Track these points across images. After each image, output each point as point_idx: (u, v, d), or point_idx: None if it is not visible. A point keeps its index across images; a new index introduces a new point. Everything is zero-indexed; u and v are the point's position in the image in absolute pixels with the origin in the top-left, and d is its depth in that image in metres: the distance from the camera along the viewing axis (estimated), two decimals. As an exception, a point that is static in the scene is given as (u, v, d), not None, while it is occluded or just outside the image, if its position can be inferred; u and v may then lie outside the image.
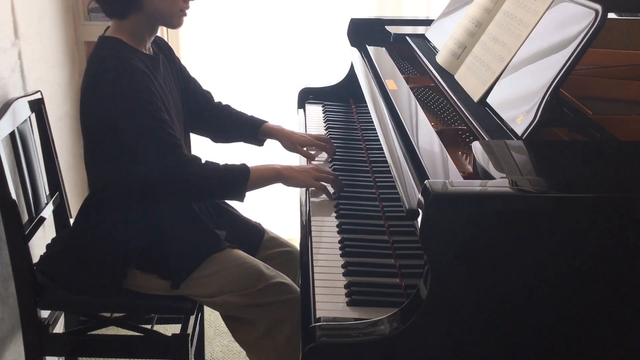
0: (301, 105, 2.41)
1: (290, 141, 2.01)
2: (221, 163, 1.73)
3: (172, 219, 1.77)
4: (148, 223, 1.74)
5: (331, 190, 1.76)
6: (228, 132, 2.05)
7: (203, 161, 1.70)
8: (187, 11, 1.72)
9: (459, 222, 1.07)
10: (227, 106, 2.07)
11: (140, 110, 1.62)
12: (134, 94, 1.61)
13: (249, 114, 2.08)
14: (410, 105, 1.64)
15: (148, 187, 1.69)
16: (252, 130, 2.04)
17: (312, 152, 2.02)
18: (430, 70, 1.80)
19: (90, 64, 1.71)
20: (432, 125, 1.49)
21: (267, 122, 2.05)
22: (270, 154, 2.13)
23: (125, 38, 1.69)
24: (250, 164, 1.75)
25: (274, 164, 1.78)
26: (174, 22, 1.73)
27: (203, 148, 2.14)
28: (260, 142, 2.08)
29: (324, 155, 2.02)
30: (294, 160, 2.02)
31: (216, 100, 2.07)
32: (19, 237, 1.76)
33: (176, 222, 1.77)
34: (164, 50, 1.88)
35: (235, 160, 1.77)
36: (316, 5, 2.97)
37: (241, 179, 1.71)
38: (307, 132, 2.17)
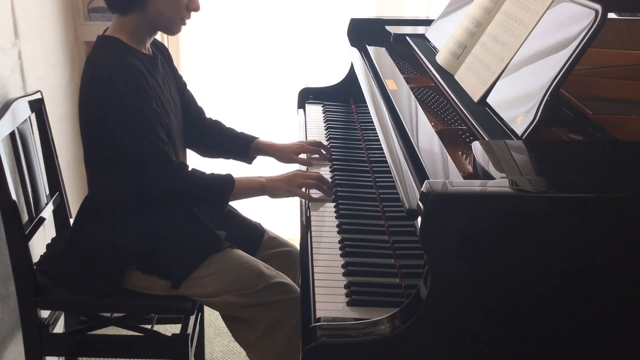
0: (301, 105, 2.41)
1: (284, 153, 2.01)
2: (207, 172, 1.73)
3: (172, 219, 1.77)
4: (148, 223, 1.74)
5: (317, 194, 1.76)
6: (218, 147, 2.04)
7: (189, 169, 1.70)
8: (186, 20, 1.73)
9: (459, 222, 1.07)
10: (218, 122, 2.06)
11: (133, 110, 1.61)
12: (128, 93, 1.61)
13: (240, 129, 2.07)
14: (410, 105, 1.64)
15: (137, 192, 1.69)
16: (243, 146, 2.03)
17: (308, 157, 2.01)
18: (430, 70, 1.80)
19: (87, 63, 1.71)
20: (432, 125, 1.49)
21: (258, 138, 2.04)
22: (262, 163, 2.12)
23: (124, 38, 1.69)
24: (236, 175, 1.75)
25: (259, 177, 1.77)
26: (173, 28, 1.73)
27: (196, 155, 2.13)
28: (249, 160, 2.06)
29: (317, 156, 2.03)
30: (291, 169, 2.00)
31: (208, 116, 2.06)
32: (19, 237, 1.76)
33: (176, 222, 1.77)
34: (162, 51, 1.88)
35: (225, 170, 1.76)
36: (316, 5, 2.97)
37: (225, 190, 1.71)
38: (307, 132, 2.17)
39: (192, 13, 1.73)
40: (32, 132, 2.02)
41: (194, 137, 2.00)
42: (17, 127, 1.91)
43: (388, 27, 2.27)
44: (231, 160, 2.08)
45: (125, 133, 1.63)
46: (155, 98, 1.68)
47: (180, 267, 1.75)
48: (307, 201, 1.75)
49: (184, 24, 1.74)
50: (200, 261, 1.76)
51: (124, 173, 1.67)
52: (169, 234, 1.75)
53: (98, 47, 1.71)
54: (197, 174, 1.71)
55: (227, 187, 1.72)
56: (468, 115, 1.44)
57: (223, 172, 1.76)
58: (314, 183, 1.76)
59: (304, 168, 1.96)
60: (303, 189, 1.76)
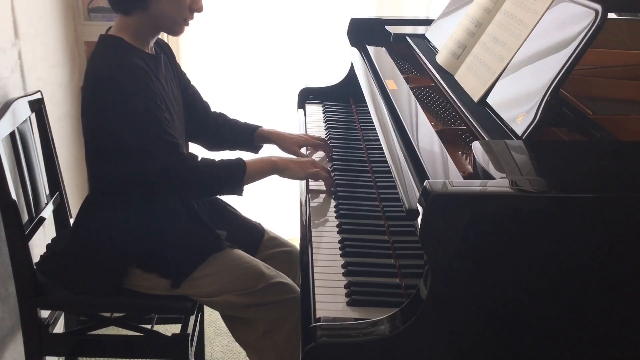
0: (301, 105, 2.41)
1: (287, 142, 2.02)
2: (217, 159, 1.73)
3: (173, 219, 1.77)
4: (148, 222, 1.75)
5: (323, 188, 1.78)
6: (224, 140, 2.05)
7: (199, 158, 1.70)
8: (189, 21, 1.73)
9: (459, 222, 1.07)
10: (222, 114, 2.07)
11: (139, 107, 1.62)
12: (132, 91, 1.61)
13: (243, 120, 2.08)
14: (410, 105, 1.64)
15: (146, 186, 1.69)
16: (248, 136, 2.04)
17: (309, 152, 2.02)
18: (430, 70, 1.80)
19: (90, 62, 1.71)
20: (432, 125, 1.49)
21: (261, 126, 2.05)
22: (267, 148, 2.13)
23: (127, 37, 1.69)
24: (246, 158, 1.76)
25: (270, 157, 1.79)
26: (176, 29, 1.73)
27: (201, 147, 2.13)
28: (255, 149, 2.07)
29: (319, 154, 2.03)
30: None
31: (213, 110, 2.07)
32: (19, 237, 1.76)
33: (176, 222, 1.77)
34: (166, 50, 1.88)
35: (232, 156, 1.77)
36: (316, 5, 2.97)
37: (238, 174, 1.72)
38: (307, 132, 2.17)
39: (195, 14, 1.73)
40: (32, 132, 2.02)
41: (200, 132, 2.01)
42: (17, 127, 1.91)
43: (388, 27, 2.27)
44: (237, 151, 2.09)
45: (133, 131, 1.63)
46: (159, 96, 1.68)
47: (180, 266, 1.75)
48: (307, 201, 1.75)
49: (187, 24, 1.74)
50: (201, 261, 1.76)
51: (132, 169, 1.67)
52: (169, 232, 1.75)
53: (101, 46, 1.70)
54: (208, 162, 1.72)
55: (240, 170, 1.72)
56: (468, 115, 1.44)
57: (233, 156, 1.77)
58: (325, 175, 1.77)
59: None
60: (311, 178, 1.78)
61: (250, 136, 2.04)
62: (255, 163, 1.76)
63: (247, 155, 2.05)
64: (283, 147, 2.03)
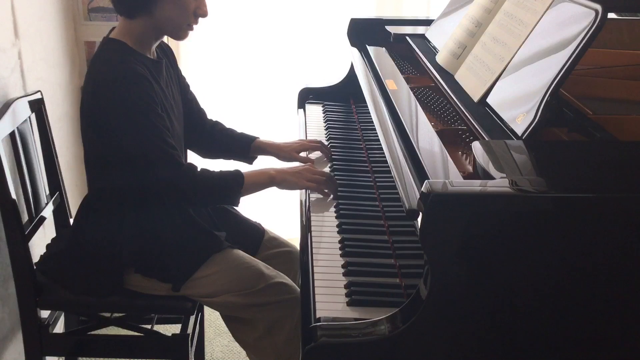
0: (301, 105, 2.41)
1: (285, 151, 2.01)
2: (216, 170, 1.73)
3: (170, 221, 1.77)
4: (145, 224, 1.74)
5: (325, 191, 1.77)
6: (219, 148, 2.05)
7: (199, 169, 1.70)
8: (194, 26, 1.73)
9: (459, 222, 1.07)
10: (218, 122, 2.06)
11: (139, 117, 1.61)
12: (134, 100, 1.61)
13: (240, 129, 2.07)
14: (410, 105, 1.64)
15: (144, 193, 1.70)
16: (244, 146, 2.03)
17: (307, 153, 2.02)
18: (430, 70, 1.80)
19: (92, 66, 1.70)
20: (432, 125, 1.49)
21: (258, 137, 2.05)
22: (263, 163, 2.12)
23: (129, 42, 1.69)
24: (244, 169, 1.76)
25: (268, 169, 1.78)
26: (180, 34, 1.73)
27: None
28: (250, 160, 2.07)
29: (317, 154, 2.03)
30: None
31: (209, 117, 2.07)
32: (19, 237, 1.76)
33: (174, 224, 1.77)
34: (168, 54, 1.88)
35: (230, 167, 1.77)
36: (316, 5, 2.97)
37: (235, 186, 1.72)
38: (307, 132, 2.17)
39: (199, 19, 1.73)
40: (32, 132, 2.01)
41: (195, 139, 2.00)
42: (17, 127, 1.91)
43: (388, 27, 2.27)
44: (232, 160, 2.08)
45: (133, 139, 1.62)
46: (160, 104, 1.68)
47: (179, 271, 1.75)
48: (307, 201, 1.75)
49: (191, 29, 1.73)
50: (200, 262, 1.76)
51: (130, 177, 1.67)
52: (167, 237, 1.75)
53: (103, 49, 1.70)
54: (206, 174, 1.72)
55: (237, 183, 1.72)
56: (468, 115, 1.44)
57: (231, 167, 1.77)
58: (324, 179, 1.77)
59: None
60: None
61: (247, 147, 2.03)
62: (253, 175, 1.75)
63: (242, 166, 2.06)
64: (281, 157, 2.03)
